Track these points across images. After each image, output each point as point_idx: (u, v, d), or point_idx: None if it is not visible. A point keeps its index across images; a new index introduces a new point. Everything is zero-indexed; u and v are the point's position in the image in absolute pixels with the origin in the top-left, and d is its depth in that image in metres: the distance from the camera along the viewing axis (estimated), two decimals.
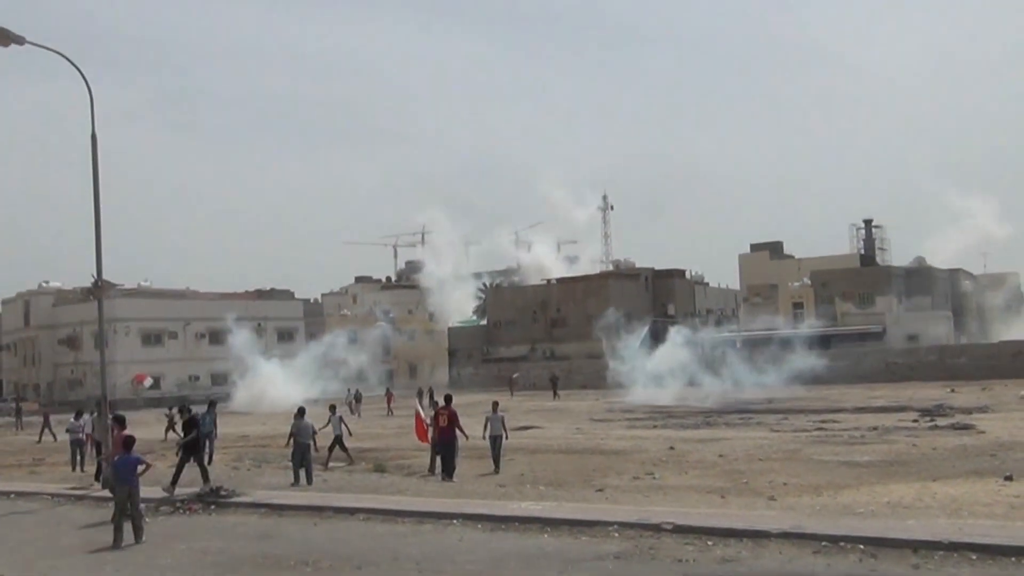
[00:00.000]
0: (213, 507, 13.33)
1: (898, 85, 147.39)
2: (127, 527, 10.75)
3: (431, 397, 34.12)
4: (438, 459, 16.01)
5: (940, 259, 73.38)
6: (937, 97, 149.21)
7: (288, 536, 11.00)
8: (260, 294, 76.69)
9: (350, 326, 78.69)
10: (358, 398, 39.40)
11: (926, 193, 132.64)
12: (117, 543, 10.59)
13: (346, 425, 19.24)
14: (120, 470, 10.88)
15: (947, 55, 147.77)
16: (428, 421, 17.69)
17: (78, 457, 19.58)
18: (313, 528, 11.45)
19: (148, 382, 61.56)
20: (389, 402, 39.87)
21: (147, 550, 10.52)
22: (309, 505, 12.85)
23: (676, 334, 49.88)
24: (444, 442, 15.86)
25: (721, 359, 48.11)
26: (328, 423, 18.48)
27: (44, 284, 73.79)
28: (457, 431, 15.81)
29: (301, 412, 16.23)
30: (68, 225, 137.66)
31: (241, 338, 52.66)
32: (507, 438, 16.87)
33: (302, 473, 15.31)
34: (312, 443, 16.01)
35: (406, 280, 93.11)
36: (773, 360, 44.47)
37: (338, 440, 18.59)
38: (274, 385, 46.78)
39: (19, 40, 15.21)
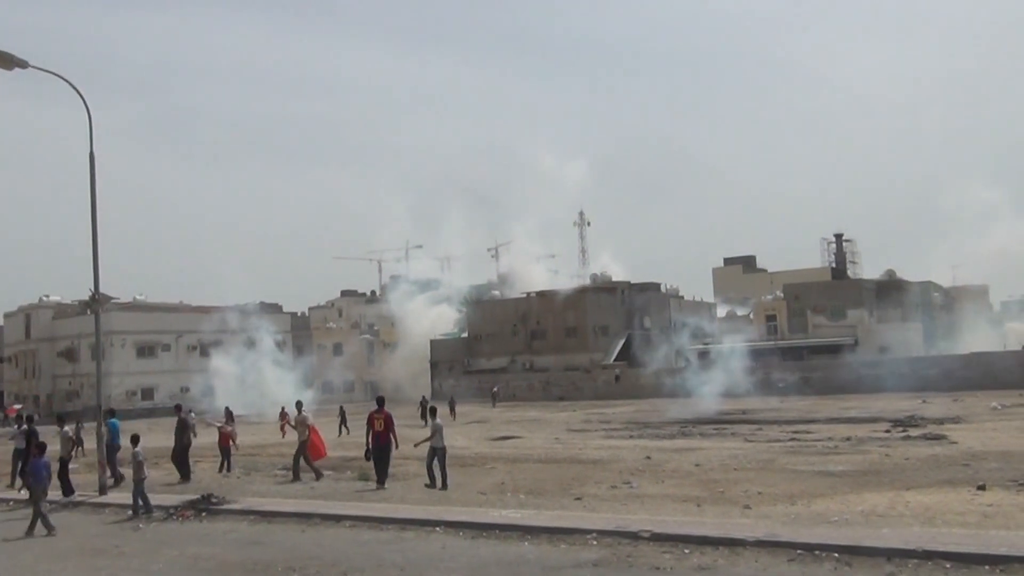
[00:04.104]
0: (204, 514, 13.51)
1: (875, 103, 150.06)
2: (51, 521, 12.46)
3: (343, 416, 33.04)
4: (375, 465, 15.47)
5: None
6: (911, 114, 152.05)
7: (276, 542, 11.12)
8: (249, 307, 76.83)
9: (335, 339, 78.81)
10: (230, 416, 35.21)
11: (900, 207, 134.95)
12: (31, 532, 12.29)
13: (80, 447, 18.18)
14: (36, 471, 12.67)
15: (920, 73, 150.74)
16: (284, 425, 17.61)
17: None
18: (301, 535, 11.56)
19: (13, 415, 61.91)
20: (283, 425, 32.69)
21: (140, 555, 10.71)
22: (297, 512, 12.97)
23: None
24: (379, 447, 15.27)
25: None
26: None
27: (44, 298, 74.20)
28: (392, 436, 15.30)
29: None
30: (67, 241, 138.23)
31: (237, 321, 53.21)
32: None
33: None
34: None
35: (391, 294, 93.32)
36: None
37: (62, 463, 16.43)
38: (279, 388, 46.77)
39: (22, 64, 15.69)
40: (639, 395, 55.80)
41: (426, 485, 15.26)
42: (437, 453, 15.46)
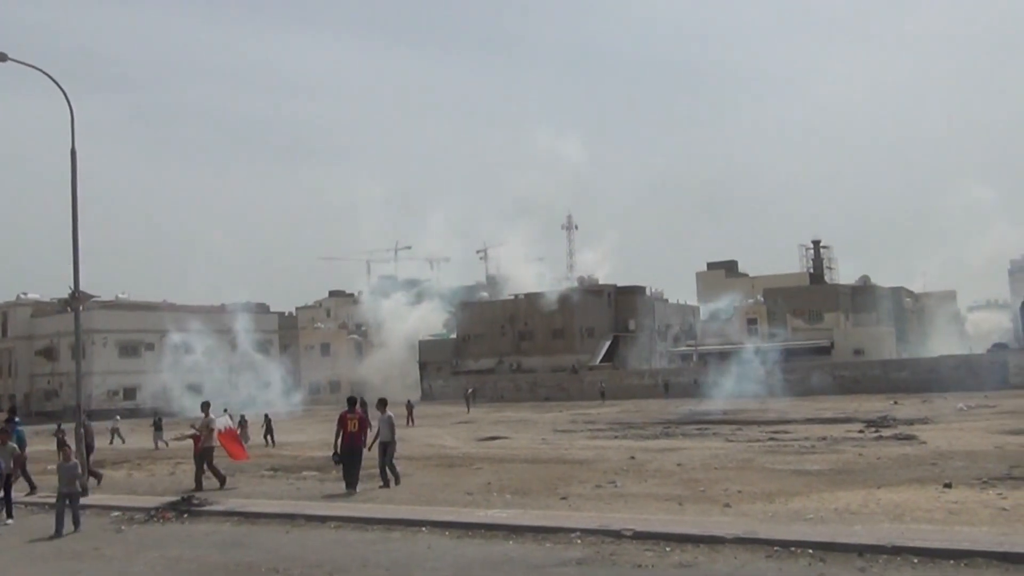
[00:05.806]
0: (186, 515, 13.43)
1: (857, 111, 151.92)
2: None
3: (269, 425, 29.85)
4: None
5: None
6: (892, 123, 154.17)
7: (260, 544, 11.08)
8: (236, 307, 76.34)
9: (322, 339, 78.49)
10: (158, 424, 32.15)
11: (878, 215, 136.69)
12: None
13: None
14: None
15: (904, 82, 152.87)
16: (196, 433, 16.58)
17: None
18: (284, 536, 11.54)
19: None
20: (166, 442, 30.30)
21: (121, 557, 10.65)
22: (281, 513, 12.95)
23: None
24: (352, 449, 14.64)
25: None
26: None
27: (22, 296, 73.20)
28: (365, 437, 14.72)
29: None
30: (46, 238, 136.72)
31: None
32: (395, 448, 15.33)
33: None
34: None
35: (369, 294, 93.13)
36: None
37: None
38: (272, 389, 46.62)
39: (1, 57, 15.48)
40: (624, 396, 56.15)
41: (380, 487, 14.94)
42: (387, 449, 14.99)
